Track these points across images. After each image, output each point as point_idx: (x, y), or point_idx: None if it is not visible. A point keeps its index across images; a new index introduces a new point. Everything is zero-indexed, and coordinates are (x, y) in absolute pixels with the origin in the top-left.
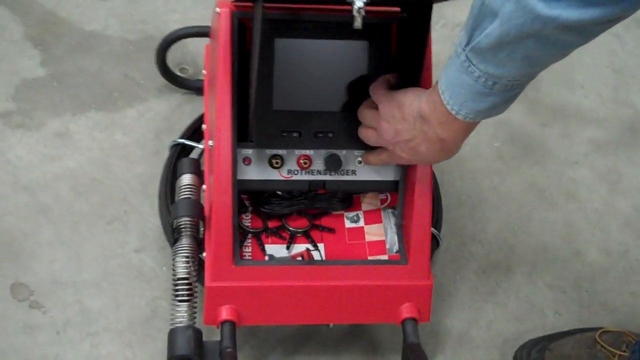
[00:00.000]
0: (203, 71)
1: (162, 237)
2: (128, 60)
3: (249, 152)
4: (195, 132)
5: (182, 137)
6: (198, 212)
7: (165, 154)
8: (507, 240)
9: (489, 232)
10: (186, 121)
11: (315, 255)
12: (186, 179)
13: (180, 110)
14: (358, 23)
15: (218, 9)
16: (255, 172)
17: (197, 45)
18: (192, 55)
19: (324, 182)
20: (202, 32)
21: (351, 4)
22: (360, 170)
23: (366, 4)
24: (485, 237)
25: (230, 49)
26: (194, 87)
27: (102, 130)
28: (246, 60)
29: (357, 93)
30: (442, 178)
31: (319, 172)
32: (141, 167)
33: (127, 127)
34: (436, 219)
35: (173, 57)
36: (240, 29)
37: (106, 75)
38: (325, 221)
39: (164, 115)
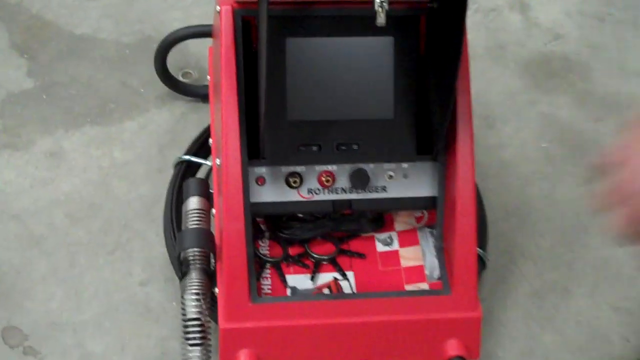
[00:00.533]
0: (208, 77)
1: (170, 266)
2: (124, 66)
3: (262, 170)
4: (202, 146)
5: (187, 153)
6: (208, 242)
7: (170, 172)
8: (562, 256)
9: (542, 248)
10: (192, 133)
11: (344, 286)
12: (193, 202)
13: (185, 121)
14: (381, 19)
15: (218, 7)
16: (271, 193)
17: (202, 46)
18: (196, 58)
19: (349, 201)
20: (206, 32)
21: None
22: (391, 185)
23: None
24: (537, 254)
25: (234, 51)
26: (199, 94)
27: (99, 147)
28: (254, 64)
29: (383, 96)
30: (485, 187)
31: (343, 191)
32: (144, 187)
33: (127, 143)
34: (481, 236)
35: (174, 60)
36: (245, 28)
37: (100, 84)
38: (353, 245)
39: (167, 128)
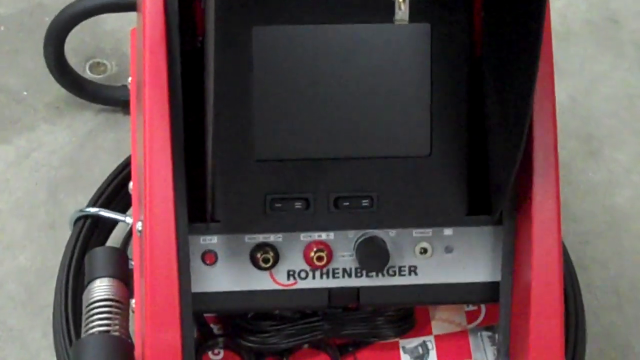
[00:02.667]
0: (129, 79)
1: None
2: None
3: (212, 241)
4: (119, 190)
5: (94, 203)
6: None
7: (66, 231)
8: None
9: None
10: (105, 166)
11: None
12: (100, 288)
13: (93, 145)
14: (403, 14)
15: None
16: (227, 278)
17: (122, 23)
18: (114, 40)
19: (357, 290)
20: (128, 3)
21: None
22: (425, 265)
23: None
24: None
25: (165, 48)
26: (117, 99)
27: None
28: (199, 66)
29: (412, 119)
30: (584, 255)
31: (347, 273)
32: (24, 255)
33: None
34: (574, 342)
35: (79, 45)
36: (185, 10)
37: None
38: (365, 358)
39: (65, 156)
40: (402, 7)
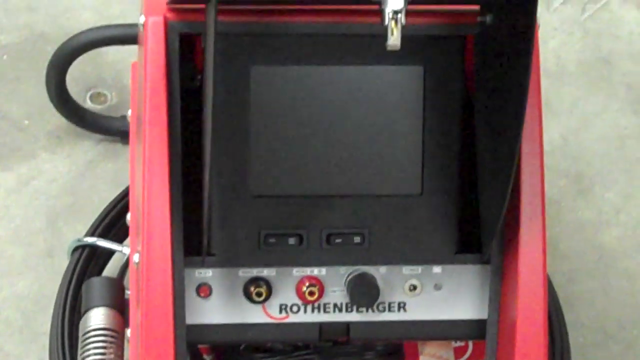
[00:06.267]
0: (129, 111)
1: None
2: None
3: (206, 274)
4: (117, 220)
5: (92, 233)
6: None
7: (64, 259)
8: None
9: None
10: (104, 195)
11: None
12: (96, 318)
13: (93, 175)
14: (394, 39)
15: (143, 17)
16: (221, 311)
17: (123, 55)
18: (115, 71)
19: (347, 325)
20: (130, 36)
21: (379, 4)
22: (414, 302)
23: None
24: None
25: (165, 86)
26: (117, 130)
27: None
28: (199, 104)
29: (404, 158)
30: (571, 293)
31: (337, 308)
32: (22, 283)
33: None
34: None
35: (80, 75)
36: (186, 49)
37: None
38: None
39: (64, 185)
40: (395, 32)
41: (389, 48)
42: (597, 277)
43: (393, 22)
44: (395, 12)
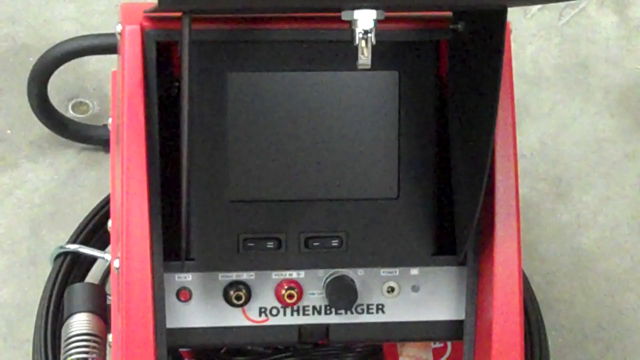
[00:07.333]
0: (109, 119)
1: None
2: None
3: (186, 279)
4: (99, 228)
5: (74, 240)
6: None
7: (47, 267)
8: None
9: None
10: (86, 204)
11: None
12: (79, 323)
13: (74, 183)
14: (365, 59)
15: (120, 25)
16: (200, 314)
17: (105, 65)
18: (96, 81)
19: (326, 327)
20: (111, 45)
21: (350, 23)
22: (392, 303)
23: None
24: None
25: (142, 94)
26: (98, 139)
27: None
28: (176, 108)
29: (381, 163)
30: (550, 295)
31: (316, 311)
32: (5, 290)
33: None
34: None
35: (62, 84)
36: (163, 57)
37: None
38: None
39: (47, 194)
40: (365, 52)
41: (359, 67)
42: (575, 278)
43: (363, 42)
44: (366, 32)
